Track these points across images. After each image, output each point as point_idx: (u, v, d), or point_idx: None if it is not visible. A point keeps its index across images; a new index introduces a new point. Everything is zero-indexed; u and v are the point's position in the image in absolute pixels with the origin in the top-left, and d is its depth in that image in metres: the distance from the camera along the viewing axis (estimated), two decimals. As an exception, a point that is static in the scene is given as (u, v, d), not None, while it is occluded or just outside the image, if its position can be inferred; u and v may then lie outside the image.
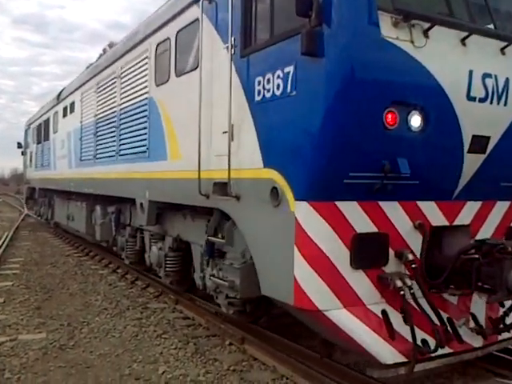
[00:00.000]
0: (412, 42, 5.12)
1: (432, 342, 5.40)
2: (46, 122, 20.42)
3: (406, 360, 5.23)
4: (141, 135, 9.51)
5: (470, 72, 5.48)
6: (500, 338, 6.08)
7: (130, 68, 10.30)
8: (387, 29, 5.02)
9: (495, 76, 5.66)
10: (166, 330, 8.23)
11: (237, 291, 6.72)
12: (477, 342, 5.81)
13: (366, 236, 5.37)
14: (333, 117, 4.94)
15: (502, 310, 6.16)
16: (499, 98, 5.70)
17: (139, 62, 9.77)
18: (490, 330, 5.86)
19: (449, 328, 5.64)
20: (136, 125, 9.77)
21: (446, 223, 5.94)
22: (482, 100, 5.58)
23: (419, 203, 5.70)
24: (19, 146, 29.32)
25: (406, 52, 5.07)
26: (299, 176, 5.23)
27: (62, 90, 18.17)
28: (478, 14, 5.95)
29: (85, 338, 7.88)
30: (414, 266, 5.49)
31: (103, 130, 12.05)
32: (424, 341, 5.39)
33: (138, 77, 9.78)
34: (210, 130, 6.87)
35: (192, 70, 7.52)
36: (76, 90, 15.27)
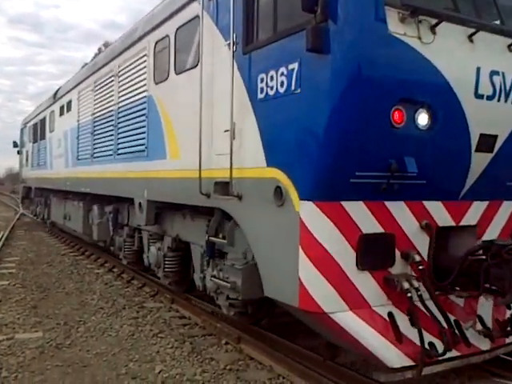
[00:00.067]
0: (419, 38, 5.01)
1: (439, 345, 5.29)
2: (43, 120, 20.27)
3: (413, 363, 5.13)
4: (139, 134, 9.38)
5: (478, 69, 5.38)
6: (508, 340, 5.98)
7: (128, 66, 10.17)
8: (394, 25, 4.91)
9: (503, 73, 5.56)
10: (162, 329, 8.20)
11: (238, 292, 6.60)
12: (484, 344, 5.71)
13: (372, 237, 5.26)
14: (339, 115, 4.82)
15: (509, 312, 6.06)
16: (507, 96, 5.60)
17: (137, 60, 9.64)
18: (498, 333, 5.76)
19: (456, 331, 5.54)
20: (134, 123, 9.64)
21: (453, 224, 5.84)
22: (489, 98, 5.47)
23: (426, 203, 5.60)
24: (15, 145, 29.15)
25: (413, 48, 4.95)
26: (304, 175, 5.11)
27: (59, 89, 18.00)
28: (484, 10, 5.86)
29: (81, 337, 7.86)
30: (420, 267, 5.38)
31: (101, 128, 11.91)
32: (431, 344, 5.28)
33: (137, 75, 9.65)
34: (211, 128, 6.75)
35: (192, 68, 7.40)
36: (73, 88, 15.13)
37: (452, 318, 5.58)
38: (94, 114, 12.51)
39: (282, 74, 5.38)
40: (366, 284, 5.24)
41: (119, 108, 10.50)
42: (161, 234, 9.53)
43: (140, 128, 9.33)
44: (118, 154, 10.55)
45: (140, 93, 9.38)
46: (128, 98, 10.01)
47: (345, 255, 5.14)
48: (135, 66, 9.74)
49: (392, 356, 5.09)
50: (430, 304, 5.36)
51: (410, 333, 5.22)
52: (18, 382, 6.17)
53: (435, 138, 5.27)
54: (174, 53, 8.05)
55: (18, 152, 28.37)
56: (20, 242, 19.24)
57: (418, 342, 5.13)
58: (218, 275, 7.15)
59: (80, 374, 6.40)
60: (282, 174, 5.39)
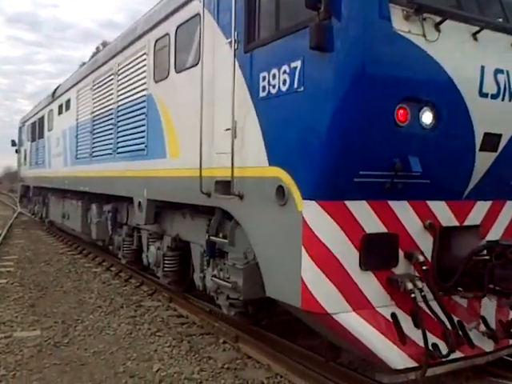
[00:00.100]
0: (424, 35, 4.96)
1: (443, 346, 5.23)
2: (41, 119, 20.17)
3: (416, 365, 5.08)
4: (139, 133, 9.30)
5: (482, 67, 5.33)
6: (511, 342, 5.93)
7: (127, 64, 10.09)
8: (399, 22, 4.85)
9: (507, 72, 5.52)
10: (160, 328, 8.18)
11: (239, 292, 6.53)
12: (488, 346, 5.65)
13: (375, 236, 5.19)
14: (343, 113, 4.76)
15: (512, 313, 6.01)
16: (511, 95, 5.55)
17: (137, 59, 9.56)
18: (502, 334, 5.69)
19: (459, 332, 5.48)
20: (134, 122, 9.56)
21: (456, 223, 5.78)
22: (494, 96, 5.43)
23: (429, 203, 5.53)
24: (13, 143, 29.10)
25: (418, 46, 4.90)
26: (307, 174, 5.04)
27: (57, 88, 17.92)
28: (488, 7, 5.81)
29: (79, 335, 7.84)
30: (424, 267, 5.32)
31: (100, 127, 11.83)
32: (435, 345, 5.22)
33: (136, 73, 9.58)
34: (212, 126, 6.68)
35: (193, 66, 7.34)
36: (72, 87, 15.04)
37: (456, 318, 5.52)
38: (93, 112, 12.42)
39: (285, 72, 5.32)
40: (369, 284, 5.18)
41: (119, 107, 10.42)
42: (160, 234, 9.46)
43: (140, 127, 9.25)
44: (118, 153, 10.47)
45: (140, 91, 9.31)
46: (128, 97, 9.93)
47: (348, 255, 5.07)
48: (135, 65, 9.67)
49: (395, 357, 5.03)
50: (434, 305, 5.29)
51: (414, 334, 5.17)
52: (16, 380, 6.15)
53: (439, 137, 5.21)
54: (175, 51, 7.98)
55: (17, 151, 28.29)
56: (18, 240, 19.18)
57: (421, 343, 5.07)
58: (218, 275, 7.09)
59: (78, 373, 6.39)
60: (284, 173, 5.32)
